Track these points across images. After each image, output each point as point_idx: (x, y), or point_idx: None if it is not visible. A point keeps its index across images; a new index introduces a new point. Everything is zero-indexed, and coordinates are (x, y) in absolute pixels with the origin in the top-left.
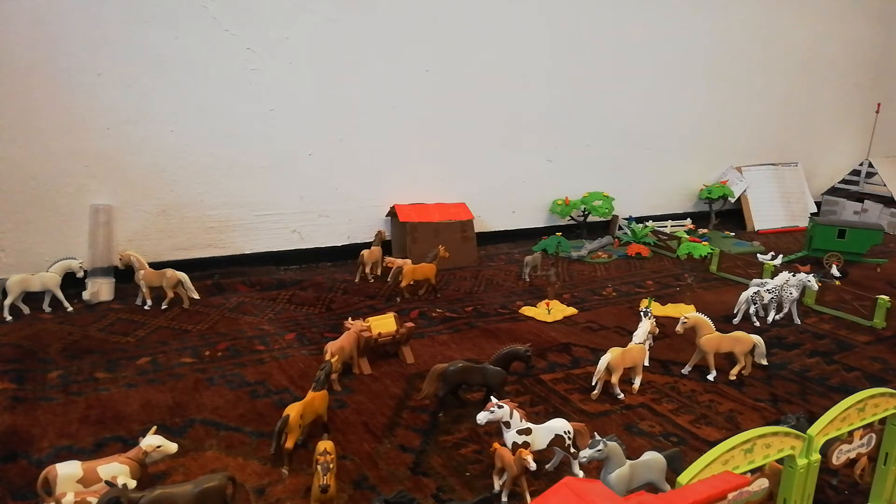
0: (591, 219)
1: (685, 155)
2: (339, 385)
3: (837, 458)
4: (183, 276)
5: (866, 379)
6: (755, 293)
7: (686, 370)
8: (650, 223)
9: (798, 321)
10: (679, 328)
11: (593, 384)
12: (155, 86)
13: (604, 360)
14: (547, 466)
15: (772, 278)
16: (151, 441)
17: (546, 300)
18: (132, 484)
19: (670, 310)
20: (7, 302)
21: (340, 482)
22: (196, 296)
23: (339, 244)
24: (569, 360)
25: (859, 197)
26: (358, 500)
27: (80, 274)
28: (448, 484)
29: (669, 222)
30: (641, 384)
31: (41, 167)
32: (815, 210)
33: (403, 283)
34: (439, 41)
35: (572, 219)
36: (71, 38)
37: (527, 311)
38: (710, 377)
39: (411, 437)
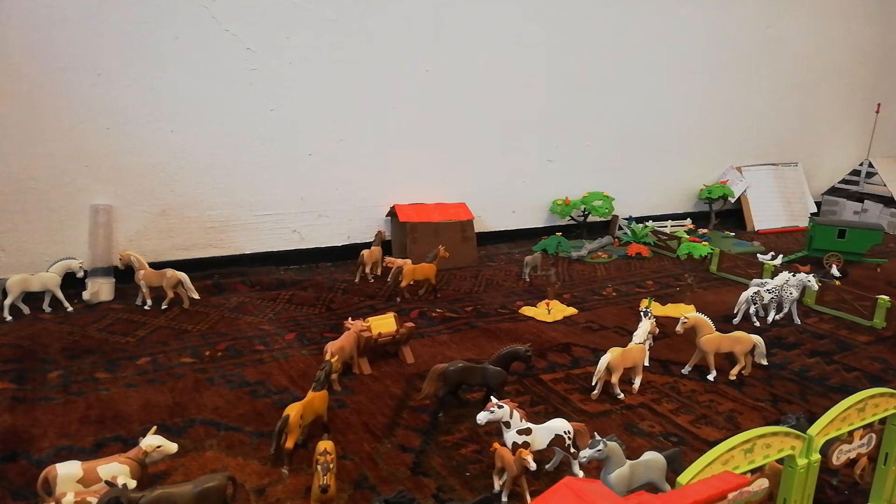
0: (591, 219)
1: (685, 155)
2: (339, 385)
3: (837, 458)
4: (183, 276)
5: (866, 379)
6: (755, 293)
7: (686, 370)
8: (650, 223)
9: (798, 321)
10: (679, 328)
11: (593, 384)
12: (155, 86)
13: (604, 360)
14: (547, 466)
15: (772, 278)
16: (151, 441)
17: (546, 300)
18: (132, 484)
19: (670, 310)
20: (7, 302)
21: (340, 482)
22: (196, 296)
23: (339, 244)
24: (569, 360)
25: (859, 197)
26: (358, 500)
27: (80, 274)
28: (448, 484)
29: (669, 222)
30: (641, 384)
31: (41, 167)
32: (815, 210)
33: (403, 283)
34: (439, 41)
35: (572, 219)
36: (71, 37)
37: (527, 311)
38: (710, 377)
39: (411, 437)
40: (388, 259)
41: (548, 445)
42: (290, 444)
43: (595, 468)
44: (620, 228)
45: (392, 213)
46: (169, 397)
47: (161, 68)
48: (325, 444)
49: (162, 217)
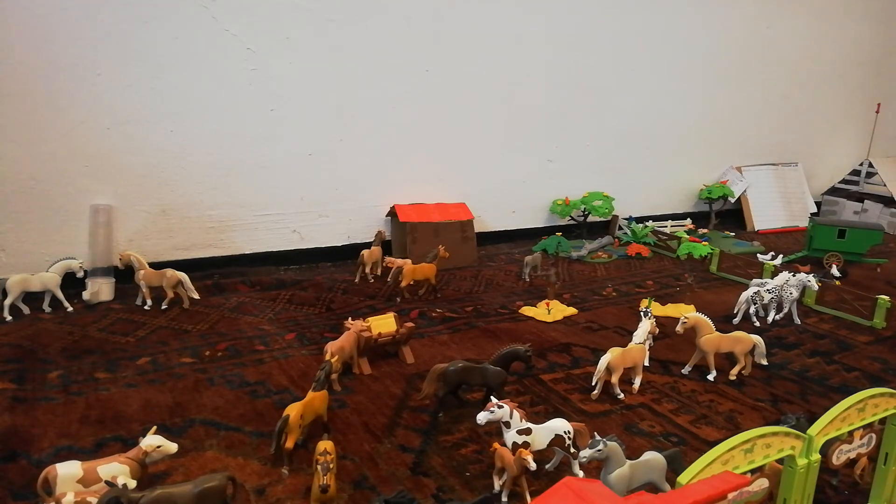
0: (591, 219)
1: (685, 155)
2: (339, 385)
3: (837, 458)
4: (183, 276)
5: (866, 379)
6: (755, 293)
7: (686, 370)
8: (650, 223)
9: (798, 321)
10: (679, 328)
11: (593, 384)
12: (155, 86)
13: (604, 360)
14: (547, 466)
15: (772, 278)
16: (151, 441)
17: (546, 300)
18: (132, 484)
19: (670, 310)
20: (7, 302)
21: (340, 482)
22: (196, 296)
23: (339, 244)
24: (569, 360)
25: (859, 197)
26: (358, 500)
27: (80, 274)
28: (448, 484)
29: (669, 222)
30: (641, 384)
31: (41, 167)
32: (815, 210)
33: (403, 283)
34: (439, 41)
35: (572, 219)
36: (71, 38)
37: (527, 311)
38: (710, 377)
39: (411, 437)
40: (388, 259)
41: (548, 445)
42: (290, 444)
43: (595, 468)
44: (620, 228)
45: (392, 213)
46: (169, 397)
47: (161, 68)
48: (325, 444)
49: (162, 217)
